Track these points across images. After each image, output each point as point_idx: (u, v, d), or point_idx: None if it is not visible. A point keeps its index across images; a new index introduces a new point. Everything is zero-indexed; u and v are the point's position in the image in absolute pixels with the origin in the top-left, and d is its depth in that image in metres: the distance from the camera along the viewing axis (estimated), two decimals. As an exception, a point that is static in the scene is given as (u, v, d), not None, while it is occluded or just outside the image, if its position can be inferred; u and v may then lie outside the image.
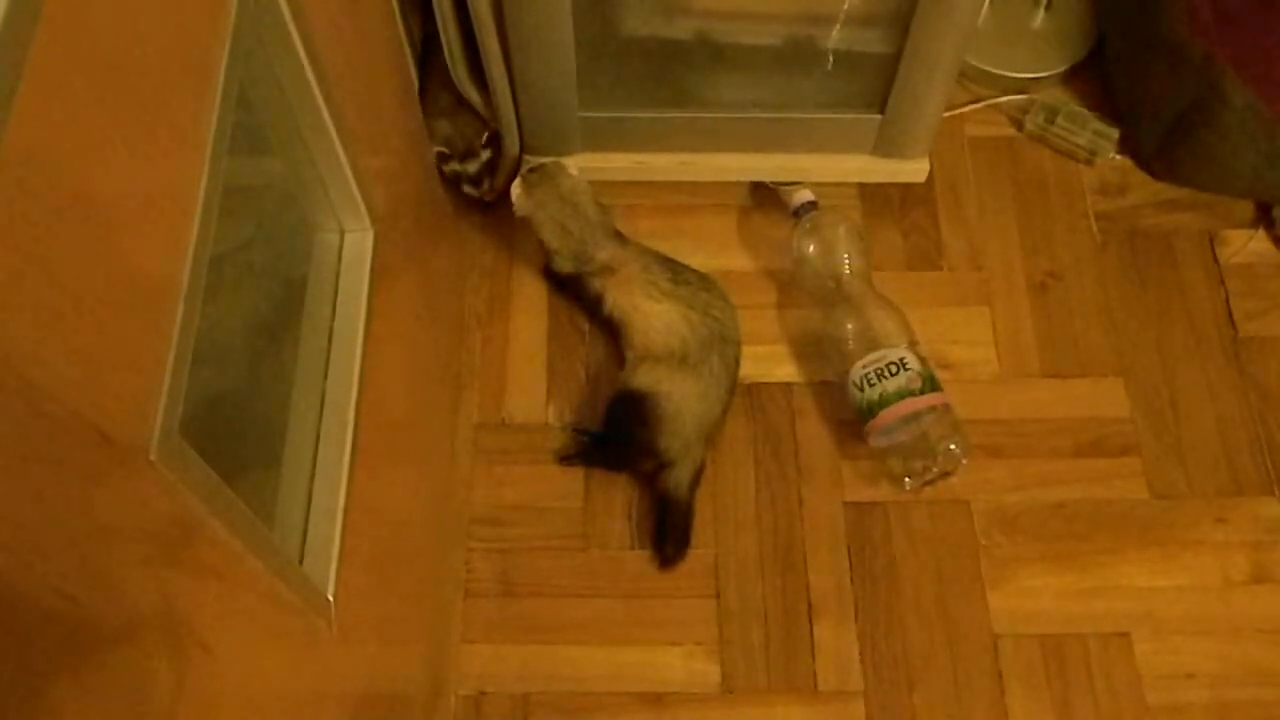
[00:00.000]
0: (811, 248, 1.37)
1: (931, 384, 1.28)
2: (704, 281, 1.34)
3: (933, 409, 1.27)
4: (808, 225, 1.39)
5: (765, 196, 1.49)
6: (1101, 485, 1.33)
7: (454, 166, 1.39)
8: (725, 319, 1.32)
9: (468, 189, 1.42)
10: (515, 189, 1.34)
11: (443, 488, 1.27)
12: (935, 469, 1.27)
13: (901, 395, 1.26)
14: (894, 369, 1.27)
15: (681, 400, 1.27)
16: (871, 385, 1.27)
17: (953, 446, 1.26)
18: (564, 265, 1.36)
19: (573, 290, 1.39)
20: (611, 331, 1.35)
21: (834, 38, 1.31)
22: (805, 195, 1.41)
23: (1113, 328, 1.42)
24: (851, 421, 1.35)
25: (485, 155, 1.39)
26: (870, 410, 1.27)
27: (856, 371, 1.28)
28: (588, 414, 1.36)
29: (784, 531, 1.31)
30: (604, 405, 1.34)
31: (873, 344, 1.29)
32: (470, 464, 1.34)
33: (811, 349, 1.40)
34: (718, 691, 1.23)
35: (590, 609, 1.27)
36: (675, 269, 1.33)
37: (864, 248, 1.38)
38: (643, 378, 1.29)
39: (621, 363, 1.34)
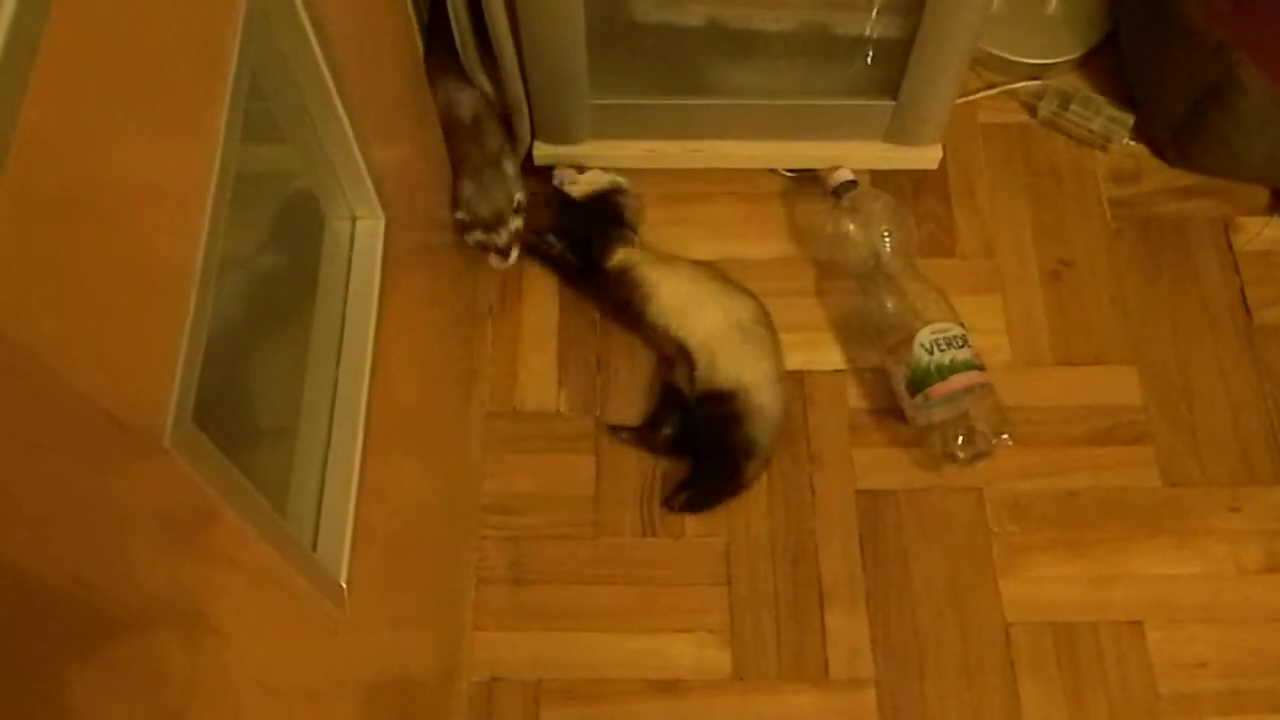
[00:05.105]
0: (851, 226, 1.37)
1: (982, 364, 1.29)
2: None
3: (983, 386, 1.27)
4: (847, 204, 1.38)
5: (786, 184, 1.48)
6: (1114, 473, 1.33)
7: (478, 237, 1.26)
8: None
9: (494, 260, 1.29)
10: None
11: (455, 475, 1.27)
12: (993, 443, 1.26)
13: (969, 366, 1.27)
14: (959, 341, 1.28)
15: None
16: (942, 350, 1.27)
17: (1005, 436, 1.26)
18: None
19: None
20: None
21: (853, 24, 1.30)
22: (845, 174, 1.40)
23: (1126, 315, 1.42)
24: (861, 410, 1.35)
25: (515, 223, 1.26)
26: (939, 373, 1.27)
27: (925, 336, 1.28)
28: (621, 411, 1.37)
29: (795, 519, 1.30)
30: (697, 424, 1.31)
31: (919, 319, 1.30)
32: (482, 452, 1.34)
33: (822, 337, 1.40)
34: (729, 678, 1.23)
35: (602, 596, 1.27)
36: None
37: (904, 225, 1.38)
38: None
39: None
